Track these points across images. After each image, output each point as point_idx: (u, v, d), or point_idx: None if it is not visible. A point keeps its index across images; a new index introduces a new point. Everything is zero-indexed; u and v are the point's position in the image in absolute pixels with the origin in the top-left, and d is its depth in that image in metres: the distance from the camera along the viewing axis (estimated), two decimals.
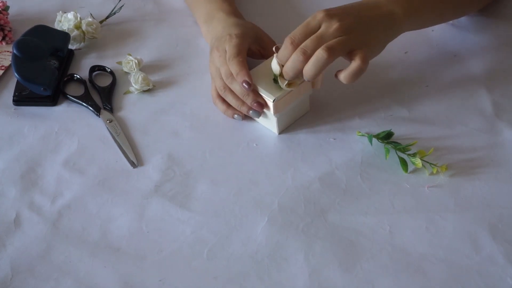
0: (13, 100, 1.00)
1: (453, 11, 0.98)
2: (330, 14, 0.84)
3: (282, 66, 0.86)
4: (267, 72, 0.88)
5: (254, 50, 0.96)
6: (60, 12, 1.10)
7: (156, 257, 0.79)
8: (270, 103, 0.87)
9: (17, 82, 1.00)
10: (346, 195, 0.84)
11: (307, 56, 0.82)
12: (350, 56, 0.83)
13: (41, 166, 0.91)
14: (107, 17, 1.13)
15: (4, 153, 0.93)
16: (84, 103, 0.98)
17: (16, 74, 0.97)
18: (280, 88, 0.87)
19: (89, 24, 1.08)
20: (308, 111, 0.94)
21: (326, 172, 0.87)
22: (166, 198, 0.85)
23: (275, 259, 0.78)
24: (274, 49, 0.87)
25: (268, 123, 0.92)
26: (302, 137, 0.92)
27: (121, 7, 1.15)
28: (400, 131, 0.91)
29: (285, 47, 0.84)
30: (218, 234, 0.81)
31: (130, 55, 1.04)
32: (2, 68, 1.06)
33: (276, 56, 0.86)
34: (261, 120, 0.92)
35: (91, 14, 1.11)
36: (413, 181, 0.85)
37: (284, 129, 0.92)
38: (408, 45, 1.03)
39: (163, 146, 0.92)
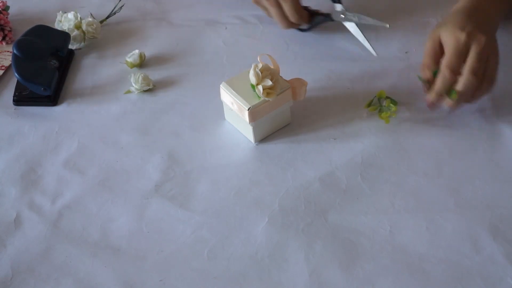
0: (13, 100, 1.00)
1: None
2: (473, 32, 0.87)
3: (259, 77, 0.85)
4: (246, 81, 0.88)
5: None
6: (60, 12, 1.10)
7: (156, 257, 0.79)
8: (245, 111, 0.87)
9: (17, 82, 1.00)
10: (346, 195, 0.84)
11: (478, 77, 0.87)
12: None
13: (41, 166, 0.91)
14: (107, 17, 1.13)
15: (4, 153, 0.93)
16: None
17: (16, 74, 0.97)
18: (256, 96, 0.87)
19: (89, 24, 1.08)
20: (289, 123, 0.93)
21: (326, 172, 0.87)
22: (166, 198, 0.85)
23: (275, 259, 0.78)
24: (259, 57, 0.87)
25: (246, 132, 0.91)
26: (302, 137, 0.92)
27: (122, 7, 1.15)
28: (400, 131, 0.91)
29: (446, 79, 0.87)
30: (218, 234, 0.81)
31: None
32: (2, 68, 1.06)
33: (257, 68, 0.85)
34: (240, 128, 0.92)
35: (91, 14, 1.11)
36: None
37: (262, 139, 0.91)
38: (408, 45, 1.03)
39: (163, 146, 0.92)
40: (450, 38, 0.87)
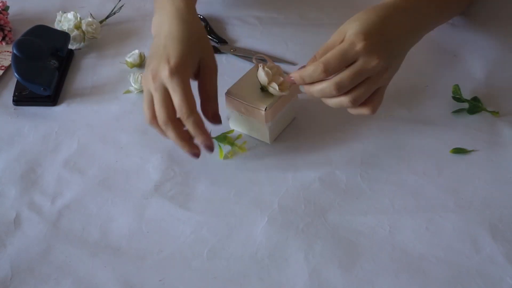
0: (13, 100, 1.00)
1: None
2: (371, 48, 0.78)
3: (269, 75, 0.85)
4: (251, 83, 0.88)
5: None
6: (60, 12, 1.11)
7: (156, 257, 0.79)
8: (262, 112, 0.87)
9: (17, 82, 1.00)
10: (346, 195, 0.84)
11: (340, 93, 0.79)
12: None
13: (41, 166, 0.91)
14: (107, 17, 1.13)
15: (4, 153, 0.93)
16: (208, 35, 1.05)
17: (16, 74, 0.97)
18: (268, 96, 0.87)
19: (89, 24, 1.08)
20: (295, 118, 0.94)
21: (326, 172, 0.87)
22: (166, 198, 0.85)
23: (275, 259, 0.78)
24: (254, 59, 0.87)
25: (260, 134, 0.91)
26: (302, 137, 0.92)
27: (121, 7, 1.15)
28: (400, 131, 0.91)
29: (316, 72, 0.79)
30: (218, 234, 0.81)
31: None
32: (2, 68, 1.06)
33: (264, 68, 0.85)
34: (251, 132, 0.92)
35: (91, 14, 1.11)
36: None
37: (276, 137, 0.92)
38: None
39: (163, 146, 0.92)
40: (348, 39, 0.78)
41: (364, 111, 0.82)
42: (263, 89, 0.87)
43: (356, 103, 0.80)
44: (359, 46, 0.77)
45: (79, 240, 0.82)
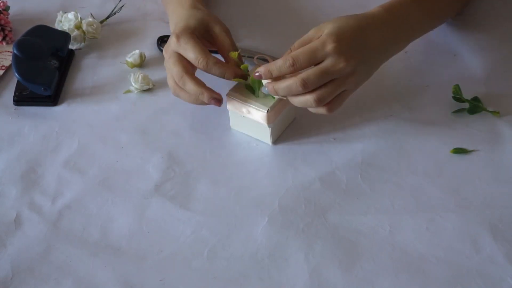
0: (14, 100, 1.00)
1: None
2: (340, 50, 0.80)
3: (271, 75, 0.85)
4: (253, 84, 0.88)
5: (204, 43, 0.90)
6: (61, 12, 1.11)
7: (156, 257, 0.79)
8: (263, 114, 0.87)
9: (18, 82, 1.00)
10: (346, 195, 0.84)
11: (305, 90, 0.81)
12: None
13: (41, 166, 0.91)
14: (107, 17, 1.14)
15: (4, 153, 0.93)
16: None
17: (16, 74, 0.97)
18: (269, 98, 0.87)
19: (89, 24, 1.08)
20: (295, 118, 0.94)
21: (326, 172, 0.87)
22: (166, 198, 0.85)
23: (275, 259, 0.78)
24: (255, 60, 0.87)
25: (261, 135, 0.91)
26: (302, 137, 0.92)
27: (122, 7, 1.15)
28: (400, 131, 0.91)
29: (284, 65, 0.81)
30: (218, 234, 0.81)
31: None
32: (3, 68, 1.06)
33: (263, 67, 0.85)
34: (252, 133, 0.92)
35: (91, 14, 1.11)
36: None
37: (277, 139, 0.92)
38: (408, 45, 1.02)
39: (163, 146, 0.92)
40: (321, 38, 0.80)
41: (321, 110, 0.84)
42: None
43: (320, 103, 0.82)
44: (329, 46, 0.80)
45: (79, 240, 0.82)
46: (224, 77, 0.87)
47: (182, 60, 0.87)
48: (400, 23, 0.87)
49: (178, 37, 0.87)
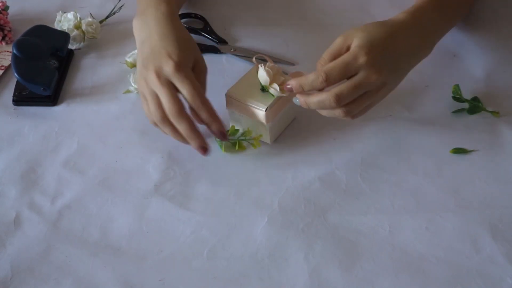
0: (13, 100, 1.00)
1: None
2: (373, 63, 0.79)
3: (270, 75, 0.85)
4: (251, 83, 0.88)
5: None
6: (60, 12, 1.10)
7: (156, 257, 0.79)
8: (262, 112, 0.87)
9: (17, 82, 1.00)
10: (346, 195, 0.84)
11: (339, 105, 0.80)
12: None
13: (41, 166, 0.91)
14: (107, 17, 1.13)
15: (4, 153, 0.93)
16: (208, 35, 1.08)
17: (16, 74, 0.97)
18: (268, 96, 0.87)
19: (89, 24, 1.08)
20: (295, 118, 0.94)
21: (326, 172, 0.87)
22: (166, 198, 0.85)
23: (275, 259, 0.78)
24: (254, 59, 0.88)
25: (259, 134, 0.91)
26: (302, 137, 0.92)
27: (121, 7, 1.15)
28: (400, 131, 0.91)
29: (317, 80, 0.80)
30: (218, 234, 0.81)
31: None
32: (2, 68, 1.06)
33: (265, 68, 0.85)
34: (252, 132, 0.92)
35: (90, 14, 1.11)
36: None
37: (276, 138, 0.92)
38: None
39: (163, 146, 0.92)
40: (352, 52, 0.79)
41: (345, 118, 0.83)
42: (264, 90, 0.87)
43: (348, 115, 0.82)
44: (361, 60, 0.79)
45: (79, 240, 0.82)
46: (209, 125, 0.85)
47: (177, 96, 0.83)
48: (425, 28, 0.86)
49: (177, 67, 0.83)
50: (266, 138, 0.90)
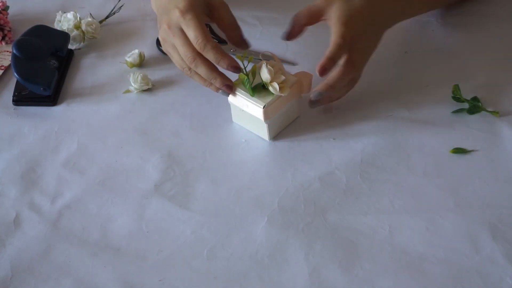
0: (13, 100, 1.00)
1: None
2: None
3: (271, 73, 0.85)
4: (256, 79, 0.88)
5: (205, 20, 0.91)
6: (60, 12, 1.10)
7: (156, 257, 0.79)
8: (260, 110, 0.87)
9: (17, 82, 1.00)
10: (346, 195, 0.84)
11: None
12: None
13: (41, 166, 0.91)
14: (106, 17, 1.13)
15: (4, 153, 0.93)
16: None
17: (15, 74, 0.97)
18: (269, 94, 0.87)
19: (88, 24, 1.08)
20: (298, 116, 0.94)
21: (326, 172, 0.87)
22: (166, 198, 0.85)
23: (275, 259, 0.78)
24: (260, 56, 0.88)
25: (259, 130, 0.91)
26: (302, 137, 0.92)
27: (121, 7, 1.15)
28: (400, 131, 0.91)
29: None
30: (218, 234, 0.81)
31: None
32: (2, 68, 1.06)
33: (267, 65, 0.85)
34: (251, 127, 0.92)
35: (90, 14, 1.11)
36: None
37: (275, 135, 0.92)
38: (408, 45, 1.03)
39: (163, 146, 0.92)
40: (335, 31, 0.87)
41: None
42: (265, 87, 0.87)
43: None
44: (347, 38, 0.86)
45: (79, 240, 0.82)
46: (218, 64, 0.87)
47: (189, 40, 0.86)
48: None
49: (183, 12, 0.86)
50: (264, 134, 0.90)
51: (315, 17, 0.89)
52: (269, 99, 0.86)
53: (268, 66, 0.85)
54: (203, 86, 0.90)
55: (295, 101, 0.91)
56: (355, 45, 0.86)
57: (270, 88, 0.86)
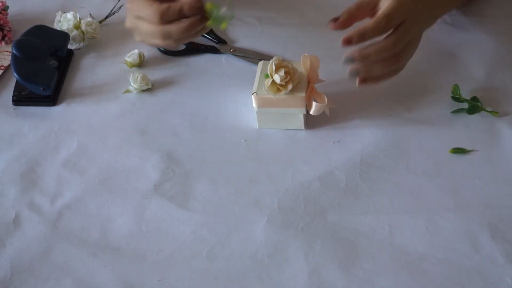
0: (13, 100, 1.00)
1: None
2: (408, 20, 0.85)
3: (272, 68, 0.86)
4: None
5: None
6: (60, 12, 1.11)
7: (155, 257, 0.79)
8: (301, 97, 0.87)
9: (17, 82, 1.00)
10: (346, 195, 0.84)
11: (396, 50, 0.85)
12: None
13: (41, 166, 0.91)
14: (106, 17, 1.14)
15: (4, 153, 0.93)
16: (207, 35, 1.08)
17: (15, 74, 0.97)
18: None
19: (88, 24, 1.08)
20: (302, 130, 0.93)
21: (326, 172, 0.87)
22: (166, 198, 0.85)
23: (275, 259, 0.78)
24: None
25: (293, 124, 0.92)
26: (302, 136, 0.92)
27: (121, 7, 1.15)
28: (400, 131, 0.91)
29: (380, 24, 0.83)
30: (218, 234, 0.81)
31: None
32: (2, 68, 1.06)
33: (275, 59, 0.86)
34: (284, 125, 0.92)
35: (90, 14, 1.11)
36: None
37: (264, 127, 0.92)
38: None
39: (163, 146, 0.92)
40: (384, 11, 0.83)
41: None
42: (267, 77, 0.88)
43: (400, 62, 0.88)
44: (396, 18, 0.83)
45: (79, 240, 0.82)
46: (184, 15, 0.87)
47: (152, 2, 0.87)
48: None
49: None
50: (300, 124, 0.91)
51: (366, 8, 0.87)
52: (303, 87, 0.87)
53: (275, 61, 0.86)
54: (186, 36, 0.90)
55: (298, 111, 0.90)
56: (407, 22, 0.84)
57: (264, 84, 0.86)
